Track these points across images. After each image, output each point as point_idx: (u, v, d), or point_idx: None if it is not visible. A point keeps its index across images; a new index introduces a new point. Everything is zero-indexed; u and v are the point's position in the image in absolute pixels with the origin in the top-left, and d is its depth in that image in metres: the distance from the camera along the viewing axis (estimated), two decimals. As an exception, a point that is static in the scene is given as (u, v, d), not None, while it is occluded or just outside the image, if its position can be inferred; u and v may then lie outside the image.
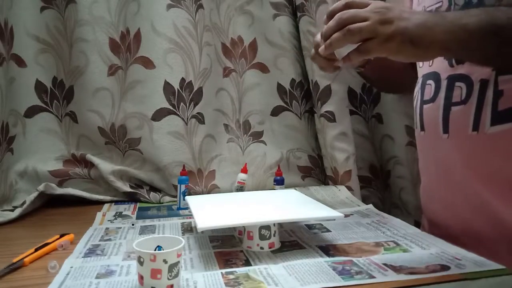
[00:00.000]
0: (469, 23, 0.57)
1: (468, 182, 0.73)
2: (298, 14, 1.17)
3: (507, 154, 0.68)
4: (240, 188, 1.06)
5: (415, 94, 0.84)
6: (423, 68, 0.81)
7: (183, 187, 1.01)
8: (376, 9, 0.60)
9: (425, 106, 0.79)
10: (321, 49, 0.65)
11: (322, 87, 1.15)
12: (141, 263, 0.54)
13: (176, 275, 0.55)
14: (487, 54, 0.60)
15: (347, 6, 0.63)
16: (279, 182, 1.07)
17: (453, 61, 0.74)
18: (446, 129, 0.74)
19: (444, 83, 0.74)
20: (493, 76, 0.68)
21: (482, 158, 0.71)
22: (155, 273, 0.53)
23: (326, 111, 1.15)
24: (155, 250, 0.58)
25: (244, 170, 1.06)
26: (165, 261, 0.53)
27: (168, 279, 0.54)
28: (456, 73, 0.72)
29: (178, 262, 0.55)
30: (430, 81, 0.78)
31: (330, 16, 0.65)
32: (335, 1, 1.12)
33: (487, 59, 0.63)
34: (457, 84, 0.72)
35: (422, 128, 0.81)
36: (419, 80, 0.82)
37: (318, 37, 0.70)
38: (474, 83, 0.70)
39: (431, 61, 0.79)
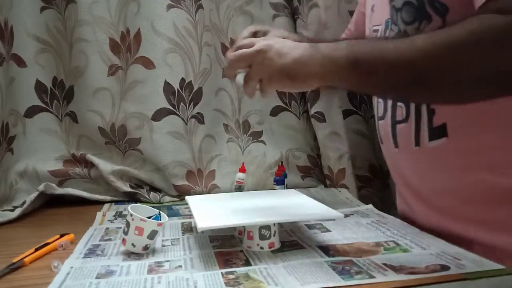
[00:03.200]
0: (336, 57, 0.62)
1: (419, 191, 0.80)
2: (295, 16, 1.17)
3: (444, 167, 0.74)
4: (239, 188, 1.06)
5: (373, 108, 0.91)
6: None
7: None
8: (258, 48, 0.66)
9: (379, 122, 0.86)
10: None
11: None
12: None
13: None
14: (354, 84, 0.65)
15: (237, 49, 0.69)
16: (279, 182, 1.07)
17: None
18: (396, 144, 0.81)
19: (389, 103, 0.81)
20: None
21: (426, 170, 0.77)
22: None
23: (315, 112, 1.16)
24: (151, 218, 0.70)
25: (242, 170, 1.07)
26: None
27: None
28: None
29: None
30: (380, 100, 0.85)
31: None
32: (327, 5, 1.14)
33: (356, 87, 0.68)
34: (399, 104, 0.78)
35: (381, 141, 0.88)
36: (373, 98, 0.88)
37: None
38: (410, 103, 0.76)
39: None
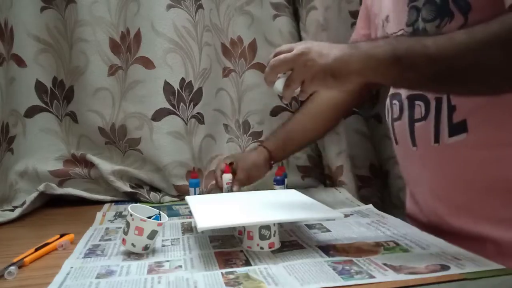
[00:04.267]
0: (376, 53, 0.65)
1: (436, 188, 0.81)
2: (298, 17, 1.17)
3: (464, 162, 0.75)
4: (231, 189, 1.05)
5: (386, 111, 0.92)
6: (390, 89, 0.89)
7: (197, 190, 1.01)
8: (299, 51, 0.69)
9: (395, 123, 0.87)
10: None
11: None
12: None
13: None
14: (393, 78, 0.68)
15: (276, 55, 0.72)
16: (279, 182, 1.07)
17: None
18: (414, 143, 0.82)
19: (405, 102, 0.82)
20: (446, 94, 0.75)
21: (445, 166, 0.77)
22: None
23: None
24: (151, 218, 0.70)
25: (227, 170, 1.05)
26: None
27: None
28: (414, 93, 0.80)
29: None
30: (395, 101, 0.86)
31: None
32: (325, 8, 1.14)
33: (395, 82, 0.71)
34: (417, 102, 0.80)
35: (397, 142, 0.89)
36: (387, 100, 0.90)
37: None
38: (430, 101, 0.77)
39: None
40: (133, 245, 0.68)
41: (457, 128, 0.74)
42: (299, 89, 0.72)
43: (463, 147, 0.74)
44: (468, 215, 0.76)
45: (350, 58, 0.66)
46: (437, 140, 0.77)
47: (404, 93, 0.83)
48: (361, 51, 0.66)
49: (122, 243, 0.69)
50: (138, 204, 0.74)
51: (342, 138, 1.17)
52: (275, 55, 0.71)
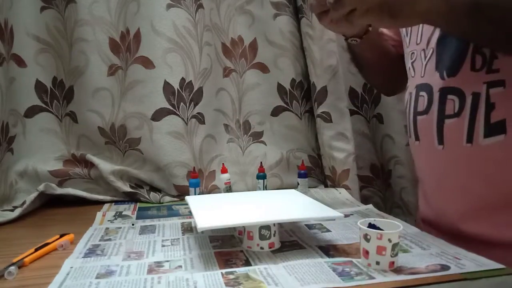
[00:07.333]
0: None
1: (462, 191, 0.75)
2: (299, 15, 1.17)
3: (499, 165, 0.70)
4: (230, 188, 1.05)
5: (406, 103, 0.85)
6: (415, 78, 0.82)
7: (197, 190, 1.01)
8: None
9: (419, 117, 0.80)
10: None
11: (318, 88, 1.16)
12: (367, 240, 0.60)
13: (396, 254, 0.60)
14: (466, 29, 0.60)
15: None
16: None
17: (444, 74, 0.74)
18: (441, 141, 0.75)
19: (436, 96, 0.75)
20: (485, 89, 0.69)
21: (476, 168, 0.72)
22: (380, 250, 0.59)
23: (322, 112, 1.16)
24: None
25: (224, 170, 1.05)
26: (389, 240, 0.58)
27: (391, 256, 0.59)
28: (448, 86, 0.73)
29: (398, 242, 0.60)
30: (423, 93, 0.79)
31: None
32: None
33: (466, 33, 0.62)
34: (450, 97, 0.73)
35: (417, 138, 0.82)
36: (412, 90, 0.82)
37: None
38: (466, 96, 0.71)
39: (422, 72, 0.79)
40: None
41: (495, 128, 0.68)
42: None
43: (499, 149, 0.68)
44: (500, 221, 0.71)
45: None
46: (469, 139, 0.71)
47: (436, 85, 0.75)
48: None
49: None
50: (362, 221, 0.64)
51: (350, 141, 1.17)
52: None
